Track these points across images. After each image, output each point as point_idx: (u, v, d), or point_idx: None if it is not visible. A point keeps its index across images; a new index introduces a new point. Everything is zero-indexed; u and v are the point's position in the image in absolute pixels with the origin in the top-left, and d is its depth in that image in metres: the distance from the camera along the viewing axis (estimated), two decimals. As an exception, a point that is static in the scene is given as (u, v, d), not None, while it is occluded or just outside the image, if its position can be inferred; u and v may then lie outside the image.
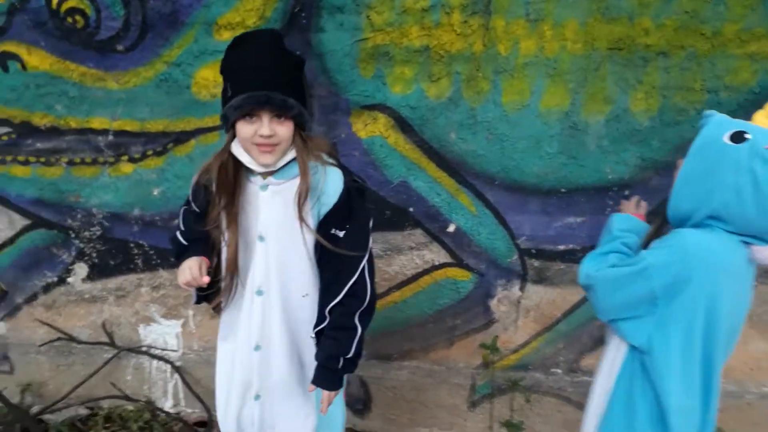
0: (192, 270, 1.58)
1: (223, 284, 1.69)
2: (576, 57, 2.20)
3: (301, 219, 1.59)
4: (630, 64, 2.18)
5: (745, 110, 2.19)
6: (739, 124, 1.36)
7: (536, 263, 2.55)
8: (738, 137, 1.31)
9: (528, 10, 2.16)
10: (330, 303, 1.64)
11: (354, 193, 1.65)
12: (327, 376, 1.66)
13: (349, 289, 1.62)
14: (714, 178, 1.32)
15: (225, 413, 1.84)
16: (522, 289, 2.59)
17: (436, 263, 2.60)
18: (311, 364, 1.71)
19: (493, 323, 2.67)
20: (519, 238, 2.50)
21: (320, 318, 1.68)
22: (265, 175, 1.61)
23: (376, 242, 2.59)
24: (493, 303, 2.63)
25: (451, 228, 2.53)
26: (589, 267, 1.52)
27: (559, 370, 2.69)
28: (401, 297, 2.68)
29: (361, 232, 1.66)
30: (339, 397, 1.89)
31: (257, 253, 1.66)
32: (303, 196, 1.57)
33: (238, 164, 1.58)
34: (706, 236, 1.33)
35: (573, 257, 2.50)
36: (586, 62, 2.20)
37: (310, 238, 1.64)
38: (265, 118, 1.47)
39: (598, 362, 1.62)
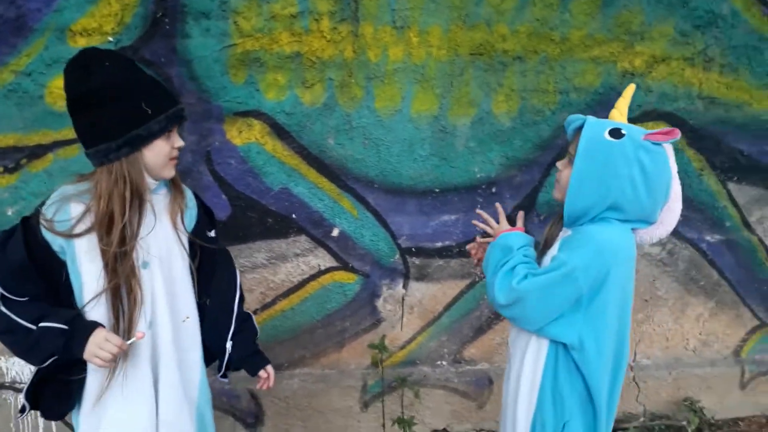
0: (113, 338, 1.36)
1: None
2: (441, 63, 2.25)
3: (178, 230, 1.51)
4: (490, 68, 2.27)
5: (591, 109, 2.37)
6: (610, 123, 1.45)
7: (417, 261, 2.58)
8: (616, 134, 1.40)
9: (394, 17, 2.18)
10: (233, 301, 1.66)
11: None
12: (262, 355, 1.75)
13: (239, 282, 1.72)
14: (608, 173, 1.39)
15: None
16: (405, 286, 2.61)
17: (323, 268, 2.55)
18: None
19: (381, 322, 2.66)
20: (400, 238, 2.52)
21: (226, 323, 1.65)
22: None
23: (260, 251, 2.49)
24: (379, 303, 2.63)
25: (335, 232, 2.50)
26: (504, 284, 1.49)
27: (445, 362, 2.75)
28: (289, 305, 2.60)
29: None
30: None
31: (155, 280, 1.49)
32: (181, 206, 1.51)
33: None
34: (611, 230, 1.41)
35: (450, 253, 2.56)
36: (451, 68, 2.26)
37: (186, 252, 1.54)
38: (175, 132, 1.45)
39: (514, 364, 1.62)
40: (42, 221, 1.38)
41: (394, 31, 2.19)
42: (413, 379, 2.68)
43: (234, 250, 2.46)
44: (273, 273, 2.54)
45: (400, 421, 2.54)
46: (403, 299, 2.64)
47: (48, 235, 1.38)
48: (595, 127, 1.43)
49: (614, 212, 1.42)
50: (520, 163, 2.43)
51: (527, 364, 1.55)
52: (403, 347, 2.71)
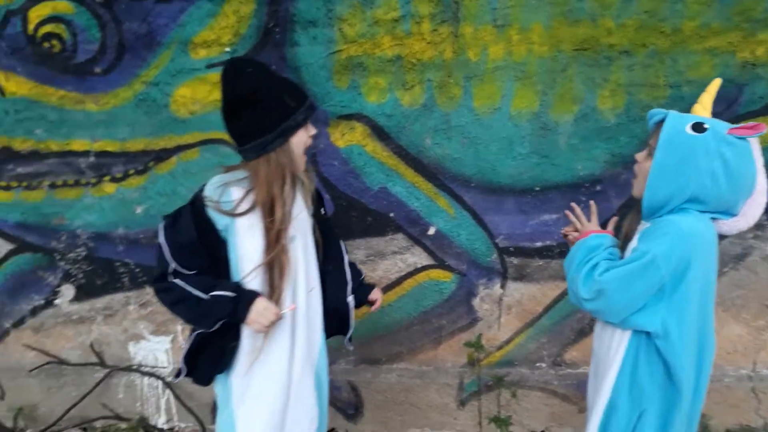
0: (271, 307, 1.58)
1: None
2: (543, 59, 2.22)
3: (308, 207, 1.72)
4: (595, 63, 2.20)
5: (706, 103, 2.23)
6: (693, 117, 1.45)
7: (515, 261, 2.55)
8: (698, 128, 1.41)
9: (495, 16, 2.17)
10: (345, 264, 1.88)
11: None
12: (368, 285, 1.99)
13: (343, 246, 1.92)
14: (688, 166, 1.40)
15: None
16: (503, 286, 2.59)
17: (419, 266, 2.60)
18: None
19: (477, 322, 2.66)
20: (497, 237, 2.51)
21: (344, 282, 1.87)
22: None
23: (359, 248, 2.58)
24: (475, 302, 2.63)
25: (432, 231, 2.53)
26: (587, 278, 1.50)
27: (544, 364, 2.69)
28: (386, 301, 2.66)
29: None
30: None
31: (297, 253, 1.69)
32: (311, 187, 1.74)
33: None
34: (692, 219, 1.41)
35: (550, 253, 2.51)
36: (553, 64, 2.22)
37: (315, 227, 1.77)
38: (310, 123, 1.64)
39: (598, 357, 1.62)
40: (208, 203, 1.58)
41: (494, 30, 2.19)
42: (510, 380, 2.65)
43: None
44: (372, 269, 2.61)
45: (497, 420, 2.53)
46: (500, 299, 2.62)
47: (214, 215, 1.58)
48: (677, 121, 1.44)
49: (694, 204, 1.41)
50: (626, 161, 2.33)
51: (610, 356, 1.55)
52: (500, 347, 2.69)
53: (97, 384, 2.77)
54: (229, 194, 1.61)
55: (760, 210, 1.44)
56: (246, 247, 1.62)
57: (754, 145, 1.41)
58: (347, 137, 2.41)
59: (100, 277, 2.69)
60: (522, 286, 2.59)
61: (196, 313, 1.60)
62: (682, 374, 1.42)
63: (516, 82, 2.26)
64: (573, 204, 1.72)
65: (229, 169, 1.68)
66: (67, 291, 2.74)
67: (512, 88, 2.27)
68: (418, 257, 2.58)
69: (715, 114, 2.15)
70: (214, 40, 2.31)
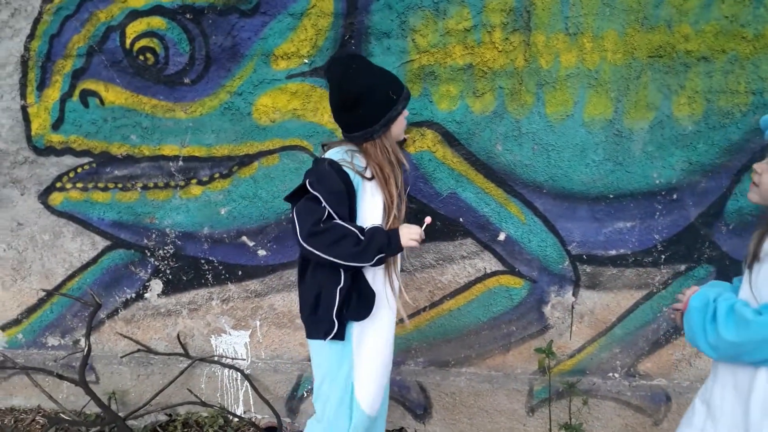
0: (413, 228, 2.01)
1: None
2: (617, 66, 2.30)
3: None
4: (671, 70, 2.26)
5: (792, 110, 2.24)
6: None
7: (588, 269, 2.64)
8: None
9: (567, 24, 2.28)
10: None
11: None
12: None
13: None
14: None
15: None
16: (575, 294, 2.68)
17: (488, 271, 2.73)
18: None
19: (548, 329, 2.77)
20: (569, 245, 2.60)
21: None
22: None
23: (429, 252, 2.75)
24: (546, 309, 2.73)
25: (502, 237, 2.66)
26: (728, 325, 1.46)
27: (617, 375, 2.76)
28: (455, 305, 2.82)
29: None
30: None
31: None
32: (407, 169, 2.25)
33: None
34: None
35: (624, 262, 2.58)
36: (627, 71, 2.30)
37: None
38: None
39: (726, 384, 1.59)
40: (344, 163, 1.97)
41: (567, 38, 2.30)
42: (582, 388, 2.74)
43: (405, 251, 2.75)
44: (440, 273, 2.78)
45: (568, 428, 2.62)
46: (572, 307, 2.71)
47: (350, 173, 1.97)
48: None
49: None
50: (704, 169, 2.37)
51: (746, 391, 1.51)
52: (572, 356, 2.78)
53: (181, 373, 3.09)
54: (358, 159, 2.02)
55: None
56: (371, 208, 2.03)
57: None
58: (418, 143, 2.58)
59: (186, 273, 3.00)
60: (595, 294, 2.67)
61: (356, 249, 1.93)
62: None
63: (589, 89, 2.35)
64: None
65: (337, 143, 2.12)
66: (156, 285, 3.06)
67: (585, 95, 2.36)
68: (488, 262, 2.72)
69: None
70: (293, 52, 2.54)
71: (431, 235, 2.69)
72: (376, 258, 1.96)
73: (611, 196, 2.50)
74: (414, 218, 2.68)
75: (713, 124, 2.31)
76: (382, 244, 1.95)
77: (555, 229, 2.60)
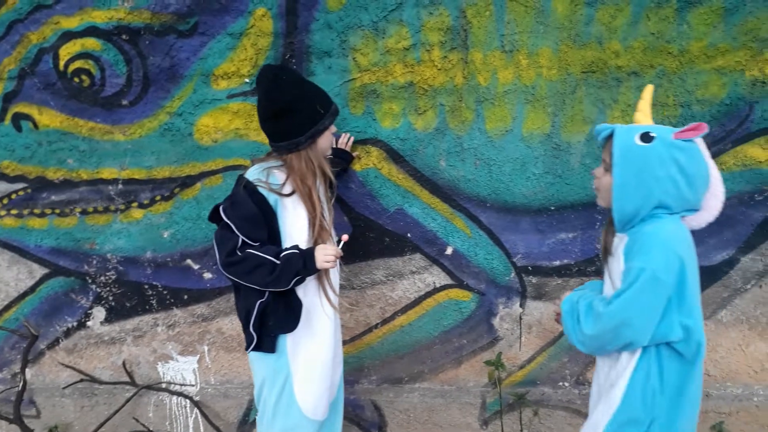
0: (328, 247, 2.00)
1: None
2: (552, 82, 2.38)
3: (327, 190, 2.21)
4: (604, 85, 2.35)
5: (718, 121, 2.35)
6: (639, 128, 1.59)
7: (534, 280, 2.70)
8: (646, 138, 1.55)
9: (503, 42, 2.35)
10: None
11: None
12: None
13: None
14: (648, 176, 1.54)
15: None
16: (522, 305, 2.74)
17: (438, 285, 2.77)
18: None
19: (498, 341, 2.81)
20: (515, 257, 2.66)
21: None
22: None
23: (379, 268, 2.77)
24: (495, 321, 2.78)
25: (449, 251, 2.70)
26: (587, 321, 1.62)
27: (567, 383, 2.82)
28: (407, 320, 2.84)
29: None
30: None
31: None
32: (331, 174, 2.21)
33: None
34: (667, 224, 1.55)
35: (568, 272, 2.65)
36: (563, 86, 2.38)
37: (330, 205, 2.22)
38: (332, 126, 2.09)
39: (601, 370, 1.77)
40: (258, 183, 2.00)
41: (503, 56, 2.37)
42: (533, 399, 2.79)
43: (355, 268, 2.76)
44: (391, 289, 2.80)
45: (519, 440, 2.67)
46: (520, 318, 2.77)
47: (265, 192, 2.00)
48: (625, 134, 1.58)
49: (661, 209, 1.54)
50: (639, 180, 2.46)
51: (613, 377, 1.68)
52: (522, 367, 2.83)
53: (127, 401, 3.01)
54: (274, 176, 2.04)
55: (720, 199, 1.59)
56: (293, 222, 2.05)
57: (701, 143, 1.56)
58: (363, 161, 2.61)
59: (129, 299, 2.95)
60: (542, 304, 2.74)
61: (273, 276, 1.95)
62: (697, 375, 1.58)
63: (526, 105, 2.42)
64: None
65: (263, 159, 2.13)
66: (99, 313, 2.99)
67: (523, 111, 2.44)
68: (437, 277, 2.76)
69: (728, 132, 2.30)
70: (234, 72, 2.54)
71: (381, 253, 2.72)
72: (294, 281, 1.99)
73: (552, 207, 2.58)
74: (362, 235, 2.71)
75: (646, 136, 2.40)
76: (298, 268, 1.97)
77: (500, 242, 2.65)
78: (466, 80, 2.42)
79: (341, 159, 2.51)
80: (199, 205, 2.74)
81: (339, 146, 2.51)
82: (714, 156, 2.35)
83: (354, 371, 2.96)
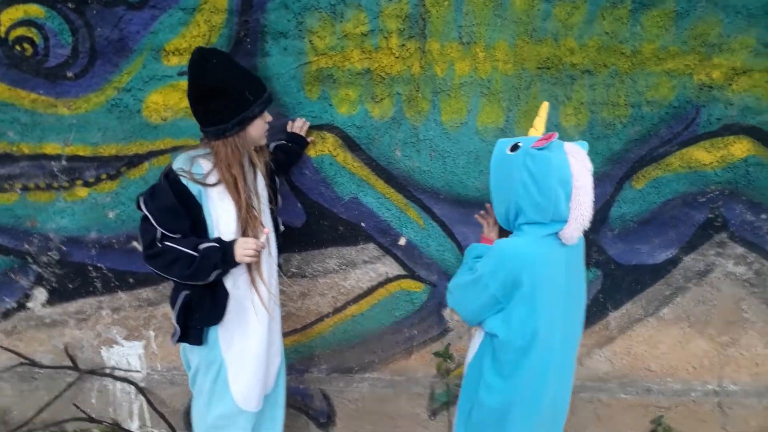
0: (249, 239, 1.98)
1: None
2: (508, 76, 2.41)
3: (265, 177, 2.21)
4: (558, 82, 2.40)
5: (666, 123, 2.43)
6: (513, 140, 1.78)
7: (485, 273, 2.75)
8: (515, 148, 1.74)
9: (461, 33, 2.37)
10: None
11: None
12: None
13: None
14: (509, 181, 1.73)
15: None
16: (472, 298, 2.78)
17: (390, 275, 2.80)
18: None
19: (448, 332, 2.86)
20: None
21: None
22: None
23: (332, 257, 2.78)
24: (446, 312, 2.83)
25: (402, 241, 2.73)
26: (449, 283, 1.96)
27: (513, 376, 2.89)
28: (358, 310, 2.87)
29: None
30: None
31: (265, 218, 2.17)
32: (268, 162, 2.25)
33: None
34: (521, 242, 1.72)
35: (519, 266, 2.70)
36: (518, 81, 2.42)
37: (269, 193, 2.25)
38: (266, 111, 2.07)
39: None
40: (180, 173, 1.97)
41: (460, 47, 2.39)
42: (479, 391, 2.86)
43: (307, 256, 2.77)
44: (343, 278, 2.82)
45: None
46: (470, 310, 2.81)
47: (188, 183, 1.97)
48: (501, 146, 1.81)
49: (523, 217, 1.69)
50: (589, 177, 2.53)
51: (469, 352, 1.96)
52: (470, 358, 2.89)
53: (69, 386, 2.97)
54: (199, 166, 2.01)
55: (588, 207, 1.69)
56: (219, 213, 2.03)
57: (572, 150, 1.70)
58: (318, 147, 2.61)
59: (72, 281, 2.89)
60: (492, 297, 2.79)
61: (191, 269, 1.93)
62: (516, 372, 1.75)
63: (482, 98, 2.45)
64: (487, 205, 2.04)
65: (190, 147, 2.11)
66: (40, 294, 2.93)
67: (478, 104, 2.46)
68: (390, 267, 2.79)
69: (675, 134, 2.37)
70: (186, 48, 2.49)
71: (335, 241, 2.73)
72: (214, 274, 1.99)
73: (506, 202, 2.62)
74: (315, 223, 2.71)
75: (597, 134, 2.47)
76: (216, 261, 1.96)
77: (452, 234, 2.69)
78: (423, 70, 2.44)
79: (295, 144, 2.50)
80: (146, 185, 2.67)
81: (294, 131, 2.50)
82: (660, 158, 2.47)
83: (304, 360, 2.97)
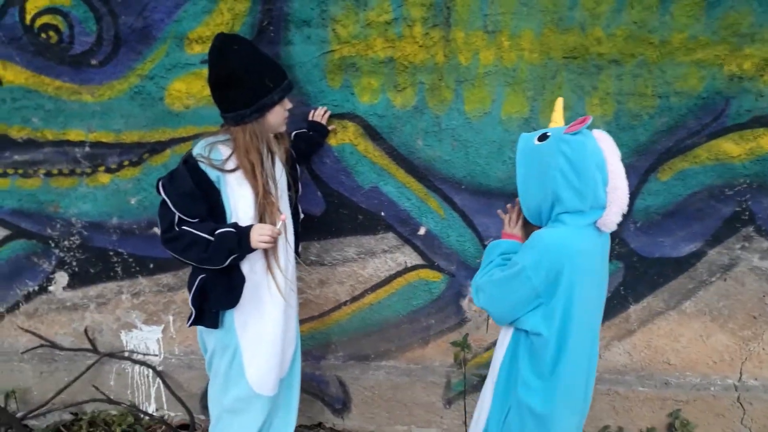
0: (265, 226, 1.99)
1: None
2: (533, 66, 2.39)
3: (284, 165, 2.25)
4: (584, 72, 2.37)
5: (694, 114, 2.40)
6: (539, 132, 1.75)
7: (504, 264, 2.74)
8: (543, 138, 1.70)
9: (486, 22, 2.35)
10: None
11: None
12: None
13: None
14: (541, 172, 1.68)
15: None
16: (492, 288, 2.78)
17: (409, 265, 2.80)
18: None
19: (466, 322, 2.87)
20: (487, 240, 2.70)
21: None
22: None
23: (350, 246, 2.78)
24: (464, 303, 2.83)
25: (422, 231, 2.73)
26: (475, 279, 1.90)
27: (531, 367, 2.89)
28: (376, 299, 2.88)
29: None
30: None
31: (283, 205, 2.19)
32: (288, 149, 2.29)
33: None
34: (561, 232, 1.67)
35: (539, 257, 2.70)
36: (543, 71, 2.40)
37: (290, 181, 2.28)
38: (286, 98, 2.08)
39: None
40: (199, 158, 2.00)
41: (485, 36, 2.37)
42: (497, 381, 2.86)
43: (327, 244, 2.78)
44: (362, 267, 2.83)
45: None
46: (489, 300, 2.81)
47: (206, 168, 2.00)
48: (526, 138, 1.78)
49: (561, 206, 1.64)
50: (615, 168, 2.51)
51: (498, 348, 1.90)
52: (488, 349, 2.89)
53: (88, 368, 3.02)
54: (218, 152, 2.03)
55: (624, 192, 1.66)
56: (237, 199, 2.05)
57: (600, 136, 1.67)
58: (339, 136, 2.61)
59: (93, 265, 2.93)
60: (511, 288, 2.78)
61: (207, 254, 1.97)
62: (554, 370, 1.70)
63: (506, 88, 2.43)
64: (509, 205, 2.02)
65: (211, 132, 2.13)
66: (61, 278, 2.98)
67: (503, 93, 2.45)
68: (408, 256, 2.79)
69: (703, 125, 2.35)
70: (209, 37, 2.50)
71: (354, 230, 2.73)
72: (230, 259, 2.01)
73: (527, 192, 2.61)
74: (335, 211, 2.72)
75: (623, 125, 2.44)
76: (232, 246, 1.98)
77: (473, 224, 2.69)
78: (447, 59, 2.42)
79: (316, 132, 2.51)
80: (168, 171, 2.71)
81: (315, 119, 2.51)
82: (688, 149, 2.44)
83: (321, 347, 2.99)
